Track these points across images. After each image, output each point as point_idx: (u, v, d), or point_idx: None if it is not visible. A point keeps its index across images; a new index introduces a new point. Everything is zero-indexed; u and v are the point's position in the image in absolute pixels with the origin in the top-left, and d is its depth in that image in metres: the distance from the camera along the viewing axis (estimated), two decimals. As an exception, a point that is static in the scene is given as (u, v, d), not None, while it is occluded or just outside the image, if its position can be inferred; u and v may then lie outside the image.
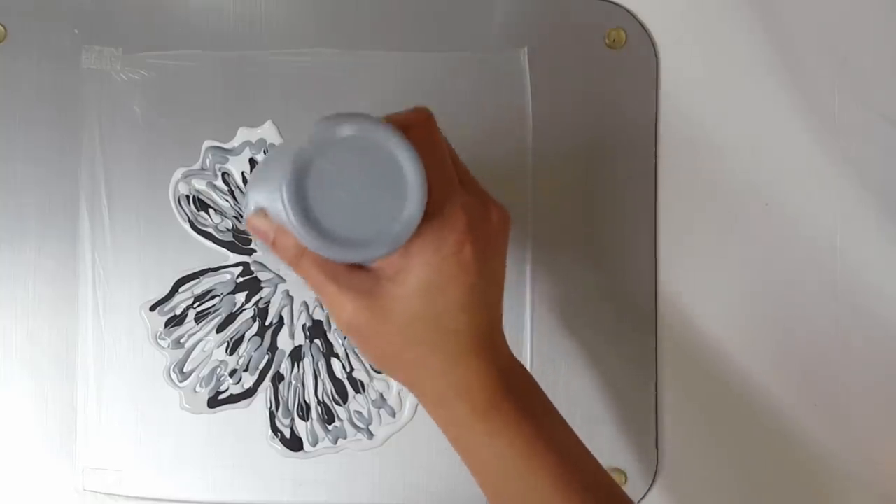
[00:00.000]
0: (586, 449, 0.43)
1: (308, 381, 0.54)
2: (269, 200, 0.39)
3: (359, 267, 0.40)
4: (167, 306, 0.54)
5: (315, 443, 0.53)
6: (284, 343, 0.54)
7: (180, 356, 0.54)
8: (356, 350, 0.54)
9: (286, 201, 0.36)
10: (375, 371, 0.54)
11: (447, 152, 0.40)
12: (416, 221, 0.36)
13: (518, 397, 0.41)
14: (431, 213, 0.38)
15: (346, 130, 0.36)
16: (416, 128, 0.39)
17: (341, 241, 0.36)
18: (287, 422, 0.54)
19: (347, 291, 0.39)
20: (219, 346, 0.54)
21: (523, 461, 0.40)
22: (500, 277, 0.42)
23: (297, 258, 0.40)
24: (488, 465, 0.41)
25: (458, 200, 0.39)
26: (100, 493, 0.53)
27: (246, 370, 0.54)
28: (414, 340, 0.39)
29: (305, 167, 0.36)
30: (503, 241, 0.41)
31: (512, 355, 0.42)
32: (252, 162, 0.54)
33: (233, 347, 0.54)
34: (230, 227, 0.54)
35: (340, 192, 0.36)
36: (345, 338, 0.54)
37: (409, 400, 0.54)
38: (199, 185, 0.54)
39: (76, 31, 0.54)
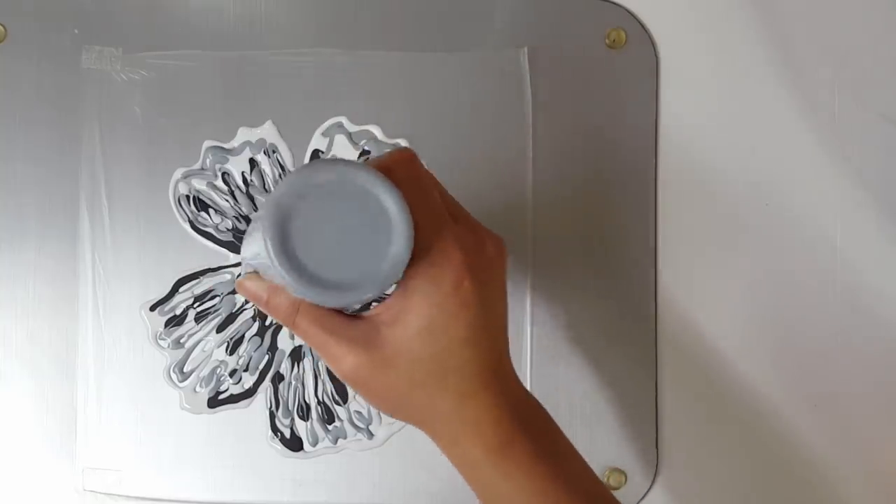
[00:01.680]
0: (598, 480, 0.43)
1: (308, 381, 0.54)
2: (257, 258, 0.39)
3: (356, 317, 0.40)
4: (167, 306, 0.54)
5: (315, 443, 0.53)
6: (284, 343, 0.54)
7: (180, 356, 0.54)
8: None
9: (270, 249, 0.35)
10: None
11: (434, 188, 0.39)
12: (404, 259, 0.36)
13: (530, 432, 0.40)
14: (424, 250, 0.37)
15: (324, 175, 0.36)
16: (399, 167, 0.38)
17: (329, 284, 0.36)
18: (287, 422, 0.54)
19: (347, 344, 0.39)
20: (219, 346, 0.54)
21: (539, 500, 0.40)
22: (501, 308, 0.41)
23: (292, 316, 0.39)
24: (504, 502, 0.41)
25: (451, 235, 0.38)
26: (100, 493, 0.53)
27: (246, 370, 0.54)
28: (419, 383, 0.39)
29: (287, 215, 0.35)
30: (500, 271, 0.41)
31: (522, 386, 0.42)
32: (252, 162, 0.54)
33: (233, 347, 0.54)
34: (230, 227, 0.54)
35: (325, 236, 0.36)
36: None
37: (409, 400, 0.54)
38: (199, 185, 0.54)
39: (76, 31, 0.54)
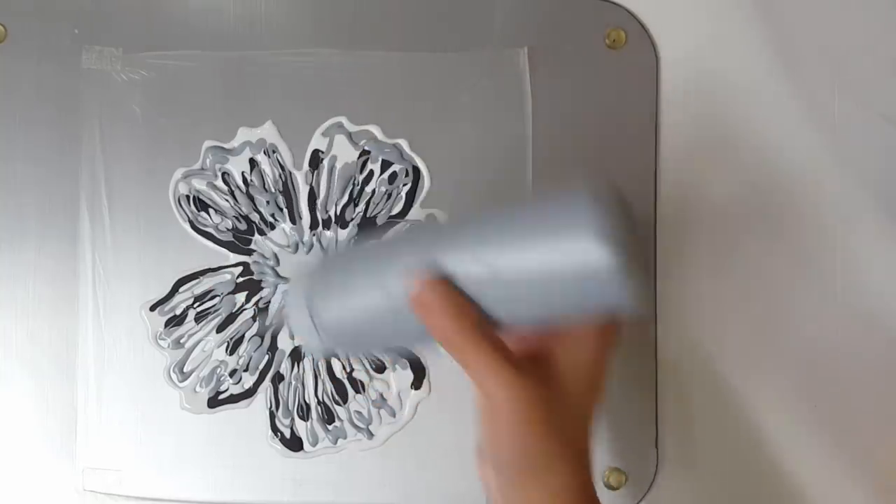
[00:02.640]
0: None
1: (308, 381, 0.54)
2: (509, 255, 0.40)
3: (527, 356, 0.42)
4: (167, 306, 0.54)
5: (315, 443, 0.53)
6: (284, 343, 0.54)
7: (180, 356, 0.54)
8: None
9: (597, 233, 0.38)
10: (376, 371, 0.54)
11: None
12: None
13: None
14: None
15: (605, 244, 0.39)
16: None
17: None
18: (287, 422, 0.54)
19: (522, 374, 0.40)
20: (219, 346, 0.54)
21: None
22: None
23: (470, 335, 0.40)
24: None
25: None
26: (100, 493, 0.53)
27: (246, 370, 0.54)
28: (554, 435, 0.40)
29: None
30: None
31: None
32: (252, 162, 0.54)
33: (233, 347, 0.54)
34: (230, 227, 0.54)
35: None
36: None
37: (410, 400, 0.54)
38: (200, 185, 0.54)
39: (76, 31, 0.54)
